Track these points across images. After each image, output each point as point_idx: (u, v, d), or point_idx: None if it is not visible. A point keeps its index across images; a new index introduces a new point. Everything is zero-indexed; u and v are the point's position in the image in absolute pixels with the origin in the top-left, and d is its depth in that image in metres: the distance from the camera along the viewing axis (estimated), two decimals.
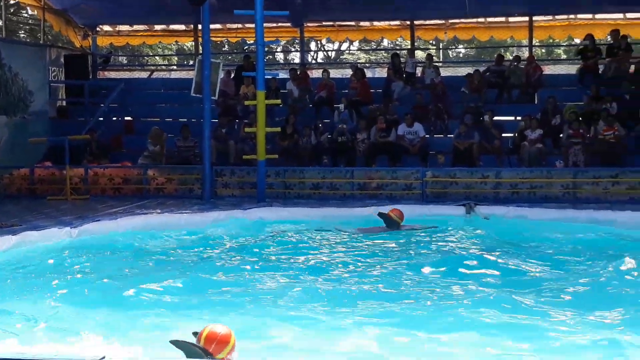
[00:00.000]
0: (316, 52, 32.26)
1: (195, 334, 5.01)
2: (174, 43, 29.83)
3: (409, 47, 21.07)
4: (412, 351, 6.40)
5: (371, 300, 8.01)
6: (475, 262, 9.63)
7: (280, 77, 19.25)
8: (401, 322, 7.14)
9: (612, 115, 15.58)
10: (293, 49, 28.46)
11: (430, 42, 26.14)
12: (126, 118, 19.14)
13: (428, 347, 6.48)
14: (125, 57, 29.38)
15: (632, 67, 17.61)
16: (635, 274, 8.95)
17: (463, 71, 21.22)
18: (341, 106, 17.22)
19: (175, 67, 30.16)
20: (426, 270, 9.35)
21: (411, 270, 9.36)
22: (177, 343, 4.92)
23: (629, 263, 9.15)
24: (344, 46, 33.54)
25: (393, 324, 7.09)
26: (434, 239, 11.64)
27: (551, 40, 23.09)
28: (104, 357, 2.93)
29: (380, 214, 12.02)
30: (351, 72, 18.75)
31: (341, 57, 33.63)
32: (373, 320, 7.23)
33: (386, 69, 19.93)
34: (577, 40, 21.43)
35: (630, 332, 6.78)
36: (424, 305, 7.81)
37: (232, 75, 18.92)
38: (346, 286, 8.61)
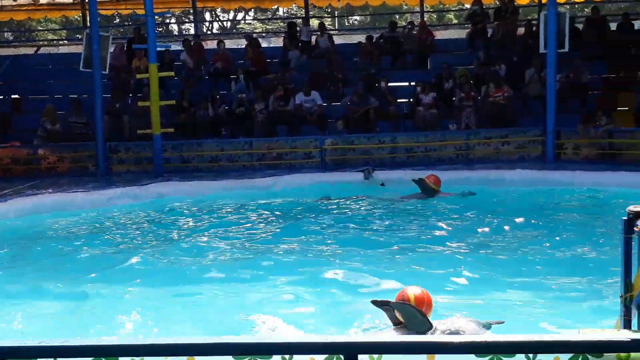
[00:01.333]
0: (211, 22, 31.76)
1: (376, 302, 5.12)
2: (61, 17, 28.69)
3: (304, 15, 21.02)
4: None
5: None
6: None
7: (173, 49, 18.84)
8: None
9: (501, 78, 16.07)
10: (187, 20, 27.90)
11: (325, 9, 26.18)
12: (13, 96, 18.32)
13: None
14: (10, 33, 28.07)
15: (520, 30, 18.17)
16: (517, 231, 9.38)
17: (359, 39, 21.35)
18: (241, 77, 17.02)
19: (63, 42, 29.05)
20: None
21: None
22: (397, 305, 4.97)
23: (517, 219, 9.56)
24: (240, 16, 33.16)
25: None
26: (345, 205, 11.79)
27: (442, 6, 23.52)
28: None
29: (415, 180, 11.64)
30: (246, 43, 18.56)
31: (237, 27, 33.26)
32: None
33: (282, 38, 19.83)
34: (468, 6, 21.91)
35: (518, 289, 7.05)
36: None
37: (124, 48, 18.39)
38: (240, 256, 8.61)
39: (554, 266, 7.63)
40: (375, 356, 2.90)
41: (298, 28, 19.04)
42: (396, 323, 5.14)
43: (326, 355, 2.91)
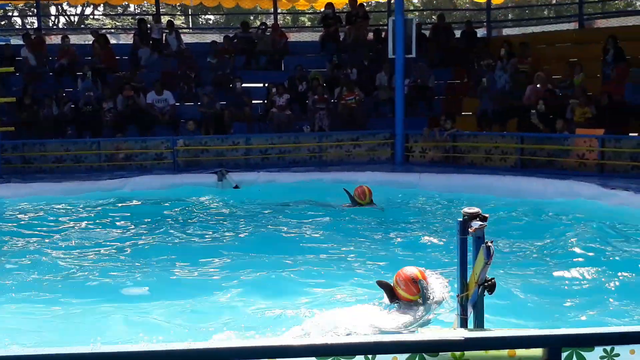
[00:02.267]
0: (57, 16, 30.36)
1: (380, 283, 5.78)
2: None
3: (155, 12, 20.50)
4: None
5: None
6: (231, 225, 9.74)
7: (15, 43, 17.84)
8: None
9: (353, 81, 16.38)
10: (31, 14, 26.53)
11: (178, 7, 25.70)
12: None
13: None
14: None
15: (370, 34, 18.62)
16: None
17: (213, 38, 21.10)
18: (88, 74, 16.33)
19: None
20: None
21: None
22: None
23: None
24: (88, 11, 31.90)
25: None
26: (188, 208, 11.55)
27: (295, 9, 23.69)
28: None
29: (345, 190, 11.14)
30: (93, 39, 17.87)
31: (86, 22, 31.98)
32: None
33: (131, 35, 19.26)
34: (322, 9, 22.20)
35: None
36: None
37: None
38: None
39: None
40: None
41: (149, 25, 18.55)
42: (392, 301, 5.80)
43: None
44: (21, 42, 17.94)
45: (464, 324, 3.86)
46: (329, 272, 7.62)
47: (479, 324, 3.69)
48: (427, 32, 18.57)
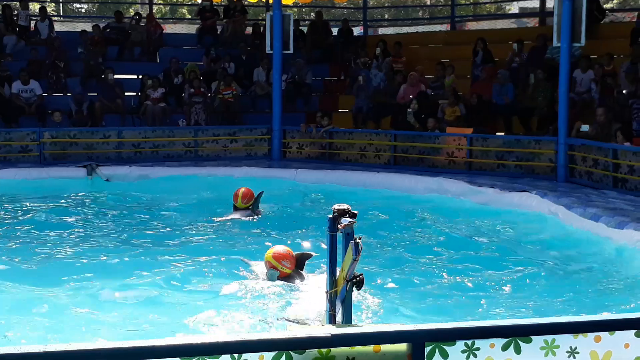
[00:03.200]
0: None
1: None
2: None
3: None
4: None
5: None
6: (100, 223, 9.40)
7: None
8: None
9: (231, 75, 16.23)
10: None
11: None
12: None
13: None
14: None
15: (248, 29, 18.51)
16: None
17: (83, 27, 20.32)
18: None
19: None
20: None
21: None
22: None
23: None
24: None
25: None
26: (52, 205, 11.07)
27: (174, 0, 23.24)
28: None
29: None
30: None
31: None
32: None
33: None
34: (200, 1, 21.88)
35: None
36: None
37: None
38: None
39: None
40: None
41: (15, 12, 17.63)
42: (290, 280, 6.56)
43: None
44: None
45: (332, 320, 3.87)
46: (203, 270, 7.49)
47: (347, 320, 3.71)
48: (304, 29, 18.66)
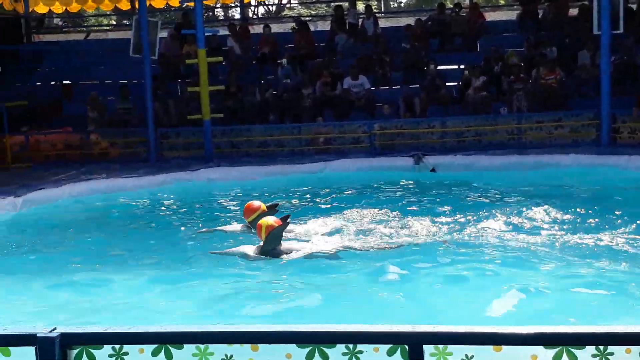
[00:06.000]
0: (256, 7, 31.75)
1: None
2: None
3: None
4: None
5: None
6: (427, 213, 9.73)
7: (220, 34, 18.90)
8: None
9: (553, 60, 15.74)
10: (233, 4, 27.94)
11: None
12: (64, 82, 18.61)
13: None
14: (60, 19, 28.43)
15: (572, 11, 17.77)
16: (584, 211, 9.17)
17: (405, 21, 21.13)
18: (284, 61, 17.02)
19: (112, 27, 29.35)
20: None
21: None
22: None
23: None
24: (285, 0, 33.08)
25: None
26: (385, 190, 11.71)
27: None
28: (54, 329, 2.84)
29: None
30: (292, 27, 18.50)
31: (282, 12, 33.19)
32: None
33: (328, 22, 19.72)
34: None
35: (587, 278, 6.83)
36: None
37: (174, 34, 18.48)
38: None
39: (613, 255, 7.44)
40: (441, 347, 2.86)
41: (345, 12, 18.90)
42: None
43: (390, 345, 2.89)
44: (227, 33, 18.97)
45: None
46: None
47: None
48: (634, 6, 17.42)
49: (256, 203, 8.52)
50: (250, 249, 7.41)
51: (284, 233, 7.62)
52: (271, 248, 7.32)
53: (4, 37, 19.40)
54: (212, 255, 7.64)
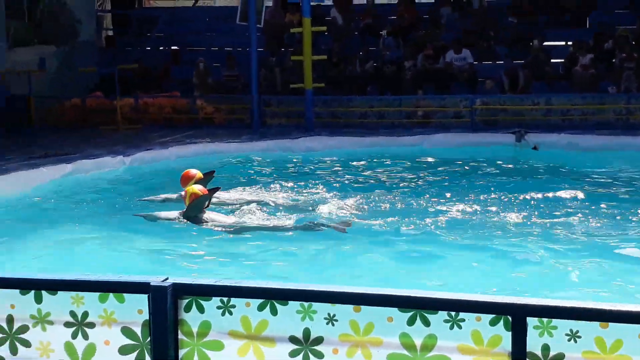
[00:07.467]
0: None
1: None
2: None
3: None
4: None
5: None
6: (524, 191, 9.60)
7: (324, 4, 18.96)
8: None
9: None
10: None
11: None
12: (172, 48, 19.15)
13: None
14: None
15: None
16: None
17: None
18: (384, 32, 16.91)
19: None
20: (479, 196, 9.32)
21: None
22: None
23: None
24: None
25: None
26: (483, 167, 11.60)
27: None
28: (166, 278, 3.00)
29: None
30: None
31: None
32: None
33: None
34: None
35: None
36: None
37: (279, 3, 18.68)
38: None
39: None
40: (545, 320, 2.86)
41: None
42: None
43: (493, 316, 2.90)
44: (330, 3, 19.02)
45: None
46: None
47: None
48: None
49: (193, 171, 8.54)
50: (174, 214, 7.84)
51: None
52: (193, 215, 7.71)
53: (117, 1, 20.09)
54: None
